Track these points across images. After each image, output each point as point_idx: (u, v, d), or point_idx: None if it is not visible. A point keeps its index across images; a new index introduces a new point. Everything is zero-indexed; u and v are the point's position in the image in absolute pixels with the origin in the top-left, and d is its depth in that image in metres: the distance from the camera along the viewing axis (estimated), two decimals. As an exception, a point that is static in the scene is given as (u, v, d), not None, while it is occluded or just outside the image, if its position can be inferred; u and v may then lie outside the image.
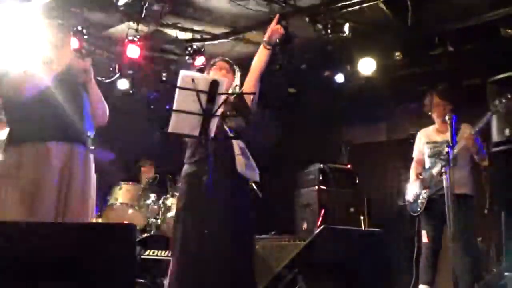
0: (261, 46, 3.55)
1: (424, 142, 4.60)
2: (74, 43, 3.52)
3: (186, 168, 3.51)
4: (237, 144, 3.42)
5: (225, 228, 3.22)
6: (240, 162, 3.40)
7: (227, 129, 3.43)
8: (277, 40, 3.55)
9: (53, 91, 2.95)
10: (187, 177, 3.47)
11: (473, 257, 4.27)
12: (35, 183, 2.85)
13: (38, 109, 2.92)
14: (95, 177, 3.15)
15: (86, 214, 3.01)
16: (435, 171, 4.40)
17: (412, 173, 4.65)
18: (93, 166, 3.14)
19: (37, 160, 2.88)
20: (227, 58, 3.77)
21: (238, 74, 3.72)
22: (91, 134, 3.15)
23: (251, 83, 3.54)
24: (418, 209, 4.49)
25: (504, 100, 4.12)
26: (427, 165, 4.54)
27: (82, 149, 3.03)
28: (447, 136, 4.29)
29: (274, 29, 3.49)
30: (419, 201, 4.49)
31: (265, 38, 3.52)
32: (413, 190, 4.58)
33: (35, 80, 2.92)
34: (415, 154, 4.70)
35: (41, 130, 2.92)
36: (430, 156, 4.53)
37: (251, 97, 3.52)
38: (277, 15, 3.56)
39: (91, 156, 3.13)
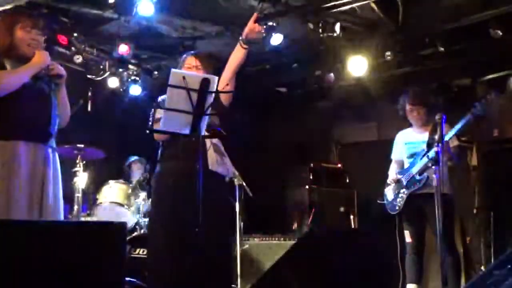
0: (238, 44, 3.47)
1: (402, 142, 4.65)
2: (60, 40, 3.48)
3: (157, 167, 3.52)
4: (209, 140, 3.39)
5: (196, 224, 3.18)
6: (211, 158, 3.39)
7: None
8: (255, 39, 3.45)
9: (25, 91, 2.93)
10: (157, 176, 3.49)
11: (456, 256, 4.31)
12: (5, 183, 2.82)
13: (9, 108, 2.89)
14: (60, 177, 3.13)
15: (59, 213, 3.02)
16: (414, 170, 4.44)
17: (391, 173, 4.68)
18: (59, 166, 3.13)
19: (6, 160, 2.85)
20: (199, 52, 3.65)
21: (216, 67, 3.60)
22: (55, 136, 3.13)
23: (224, 82, 3.41)
24: (397, 208, 4.53)
25: (483, 101, 4.15)
26: (406, 165, 4.57)
27: (50, 150, 3.03)
28: (425, 136, 4.34)
29: (252, 27, 3.40)
30: (398, 200, 4.52)
31: (242, 36, 3.43)
32: (391, 189, 4.62)
33: (8, 78, 2.90)
34: (394, 155, 4.74)
35: (10, 129, 2.90)
36: (408, 157, 4.57)
37: (226, 95, 3.44)
38: (255, 14, 3.47)
39: (57, 156, 3.13)
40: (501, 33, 5.28)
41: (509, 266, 3.11)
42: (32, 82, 2.98)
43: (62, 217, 3.08)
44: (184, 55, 3.64)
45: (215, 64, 3.64)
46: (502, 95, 5.20)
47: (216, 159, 3.43)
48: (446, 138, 4.20)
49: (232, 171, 3.59)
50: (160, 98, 3.53)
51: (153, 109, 3.40)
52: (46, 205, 2.92)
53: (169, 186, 3.36)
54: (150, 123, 3.36)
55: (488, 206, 5.43)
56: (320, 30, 5.38)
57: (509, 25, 5.29)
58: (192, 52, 3.70)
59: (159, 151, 3.55)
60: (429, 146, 4.23)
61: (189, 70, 3.49)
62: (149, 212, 3.47)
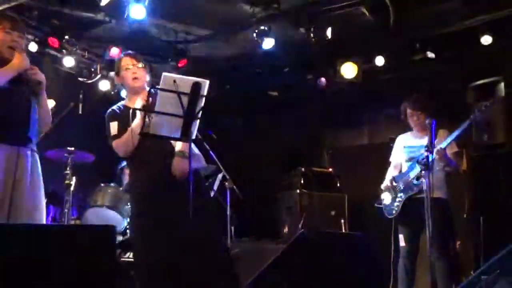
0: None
1: (401, 146, 4.67)
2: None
3: (129, 178, 3.56)
4: (179, 144, 3.28)
5: (178, 227, 3.15)
6: (176, 165, 3.24)
7: None
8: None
9: (2, 93, 2.90)
10: (131, 188, 3.49)
11: (448, 261, 4.33)
12: None
13: None
14: (41, 180, 3.09)
15: (36, 216, 2.96)
16: (412, 174, 4.46)
17: (388, 176, 4.70)
18: (39, 168, 3.08)
19: None
20: (131, 53, 3.58)
21: (147, 69, 3.54)
22: (36, 140, 3.11)
23: None
24: (394, 212, 4.55)
25: (483, 108, 4.21)
26: (404, 169, 4.60)
27: (28, 152, 2.99)
28: (424, 141, 4.38)
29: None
30: (395, 204, 4.54)
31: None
32: (388, 193, 4.64)
33: None
34: (393, 159, 4.76)
35: None
36: (407, 161, 4.60)
37: None
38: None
39: (37, 159, 3.09)
40: (491, 39, 5.33)
41: (498, 271, 3.13)
42: (11, 85, 2.94)
43: (41, 220, 3.01)
44: (121, 55, 3.61)
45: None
46: (492, 101, 5.24)
47: (182, 165, 3.23)
48: (444, 144, 4.24)
49: (204, 161, 3.52)
50: (111, 108, 3.46)
51: (108, 123, 3.35)
52: (18, 206, 2.86)
53: (146, 196, 3.28)
54: (110, 139, 3.31)
55: (478, 211, 5.45)
56: (312, 35, 5.40)
57: (499, 31, 5.34)
58: (125, 53, 3.61)
59: (130, 162, 3.48)
60: (427, 151, 4.26)
61: (127, 71, 3.42)
62: (130, 225, 3.41)
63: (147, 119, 3.02)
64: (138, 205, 3.40)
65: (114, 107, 3.46)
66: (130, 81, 3.41)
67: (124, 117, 3.30)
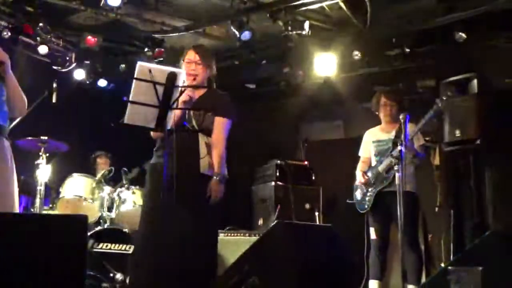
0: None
1: (370, 141, 4.73)
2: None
3: (152, 159, 3.51)
4: (203, 143, 3.35)
5: (181, 224, 3.19)
6: (204, 163, 3.33)
7: (194, 124, 3.38)
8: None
9: None
10: (149, 167, 3.48)
11: (418, 253, 4.41)
12: None
13: None
14: (14, 168, 2.96)
15: (7, 205, 2.84)
16: (381, 168, 4.52)
17: (358, 171, 4.75)
18: (10, 156, 2.94)
19: None
20: (199, 46, 3.59)
21: (213, 63, 3.56)
22: (5, 124, 2.94)
23: None
24: (366, 207, 4.61)
25: (444, 98, 4.27)
26: (373, 163, 4.65)
27: None
28: (392, 134, 4.45)
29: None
30: (366, 198, 4.60)
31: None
32: (360, 188, 4.69)
33: None
34: (362, 153, 4.82)
35: None
36: (375, 155, 4.66)
37: None
38: None
39: (7, 146, 2.94)
40: (465, 37, 5.41)
41: (468, 263, 3.20)
42: None
43: (14, 209, 2.88)
44: (187, 49, 3.55)
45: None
46: (465, 97, 5.33)
47: (209, 163, 3.35)
48: (410, 135, 4.30)
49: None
50: None
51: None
52: None
53: (157, 184, 3.28)
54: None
55: (449, 205, 5.56)
56: (289, 28, 5.41)
57: (473, 29, 5.43)
58: (194, 45, 3.61)
59: (156, 143, 3.50)
60: (395, 144, 4.33)
61: (188, 65, 3.42)
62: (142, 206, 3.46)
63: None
64: (147, 192, 3.43)
65: None
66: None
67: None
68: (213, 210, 3.41)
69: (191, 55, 3.47)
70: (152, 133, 3.38)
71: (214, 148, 3.38)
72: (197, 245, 3.25)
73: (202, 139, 3.37)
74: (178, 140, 3.16)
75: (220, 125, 3.45)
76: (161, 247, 3.10)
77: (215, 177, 3.33)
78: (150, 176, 3.45)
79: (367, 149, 4.77)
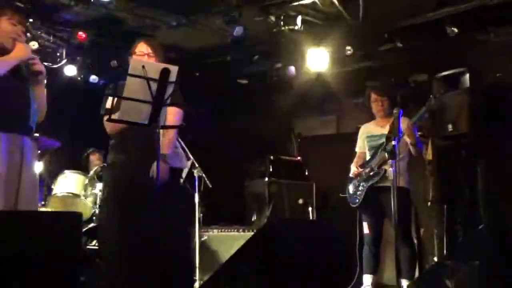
0: None
1: (364, 136, 4.74)
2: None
3: (108, 159, 3.50)
4: (161, 134, 3.31)
5: (149, 217, 3.17)
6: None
7: None
8: None
9: (3, 82, 2.92)
10: (110, 168, 3.48)
11: (411, 247, 4.43)
12: None
13: None
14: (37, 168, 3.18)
15: (36, 203, 3.08)
16: (373, 163, 4.54)
17: (353, 166, 4.77)
18: (37, 157, 3.19)
19: None
20: (150, 39, 3.61)
21: (162, 55, 3.55)
22: (34, 129, 3.17)
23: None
24: (357, 201, 4.62)
25: (437, 96, 4.29)
26: (367, 158, 4.67)
27: (29, 141, 3.05)
28: (386, 129, 4.46)
29: None
30: (358, 193, 4.61)
31: None
32: (352, 182, 4.71)
33: None
34: (357, 148, 4.84)
35: None
36: (369, 149, 4.67)
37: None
38: None
39: (35, 148, 3.18)
40: (456, 31, 5.42)
41: (460, 257, 3.22)
42: (12, 74, 2.96)
43: (37, 207, 3.14)
44: (137, 41, 3.58)
45: (163, 53, 3.58)
46: (457, 91, 5.35)
47: (163, 171, 3.29)
48: (404, 131, 4.31)
49: (186, 162, 3.56)
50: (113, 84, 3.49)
51: (104, 97, 3.38)
52: (23, 194, 2.92)
53: (122, 180, 3.32)
54: (102, 111, 3.33)
55: (441, 199, 5.58)
56: (282, 23, 5.40)
57: (465, 23, 5.44)
58: (143, 38, 3.65)
59: (111, 143, 3.50)
60: (388, 139, 4.34)
61: (140, 57, 3.43)
62: (100, 204, 3.43)
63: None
64: (109, 190, 3.40)
65: (119, 83, 3.41)
66: None
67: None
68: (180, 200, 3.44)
69: (142, 47, 3.50)
70: (109, 127, 3.36)
71: (166, 135, 3.38)
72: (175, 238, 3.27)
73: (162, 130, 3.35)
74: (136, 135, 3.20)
75: (176, 114, 3.45)
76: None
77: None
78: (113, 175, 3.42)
79: (361, 144, 4.78)
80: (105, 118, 3.29)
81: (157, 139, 2.99)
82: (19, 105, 3.00)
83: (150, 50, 3.47)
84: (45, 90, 3.21)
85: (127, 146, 3.36)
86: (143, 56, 3.45)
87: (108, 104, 3.31)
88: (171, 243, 3.23)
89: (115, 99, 3.03)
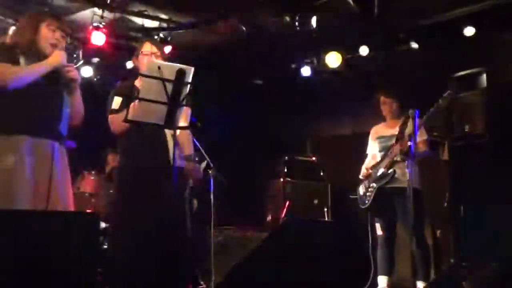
0: None
1: (375, 137, 4.72)
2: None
3: (120, 160, 3.53)
4: (170, 135, 3.34)
5: (154, 216, 3.22)
6: (172, 153, 3.29)
7: None
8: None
9: (37, 87, 2.96)
10: (121, 169, 3.52)
11: (426, 249, 4.39)
12: (7, 173, 2.84)
13: (17, 103, 2.92)
14: (69, 173, 3.21)
15: (70, 206, 3.08)
16: (383, 164, 4.51)
17: (364, 167, 4.75)
18: (67, 162, 3.19)
19: (9, 152, 2.87)
20: (154, 39, 3.67)
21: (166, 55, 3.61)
22: (65, 134, 3.19)
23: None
24: (366, 202, 4.59)
25: (445, 95, 4.24)
26: (378, 159, 4.64)
27: (57, 146, 3.06)
28: (396, 130, 4.43)
29: None
30: (368, 194, 4.59)
31: None
32: (363, 183, 4.69)
33: (22, 73, 2.95)
34: (369, 150, 4.82)
35: (15, 124, 2.92)
36: (380, 151, 4.65)
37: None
38: None
39: (65, 153, 3.19)
40: (473, 31, 5.38)
41: (476, 259, 3.19)
42: (46, 80, 3.00)
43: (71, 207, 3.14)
44: (143, 41, 3.64)
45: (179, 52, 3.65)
46: (474, 91, 5.31)
47: (178, 154, 3.35)
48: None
49: (200, 165, 3.60)
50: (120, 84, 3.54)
51: (110, 98, 3.41)
52: (55, 199, 2.94)
53: (133, 180, 3.34)
54: (108, 113, 3.36)
55: (458, 200, 5.53)
56: (297, 23, 5.39)
57: (481, 23, 5.39)
58: (149, 38, 3.68)
59: (120, 143, 3.53)
60: (398, 140, 4.33)
61: (147, 57, 3.47)
62: (110, 205, 3.46)
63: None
64: (120, 192, 3.41)
65: (120, 83, 3.47)
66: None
67: (131, 96, 3.30)
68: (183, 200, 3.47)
69: (147, 47, 3.54)
70: (113, 126, 3.40)
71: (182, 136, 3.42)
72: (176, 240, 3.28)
73: (168, 132, 3.37)
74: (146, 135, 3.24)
75: (188, 115, 3.51)
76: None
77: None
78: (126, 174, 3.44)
79: (372, 146, 4.76)
80: (110, 117, 3.39)
81: (173, 140, 3.00)
82: (50, 111, 3.03)
83: (156, 50, 3.51)
84: (80, 96, 3.24)
85: (136, 146, 3.37)
86: (150, 55, 3.48)
87: (116, 105, 3.35)
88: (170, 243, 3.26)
89: (122, 101, 3.09)
